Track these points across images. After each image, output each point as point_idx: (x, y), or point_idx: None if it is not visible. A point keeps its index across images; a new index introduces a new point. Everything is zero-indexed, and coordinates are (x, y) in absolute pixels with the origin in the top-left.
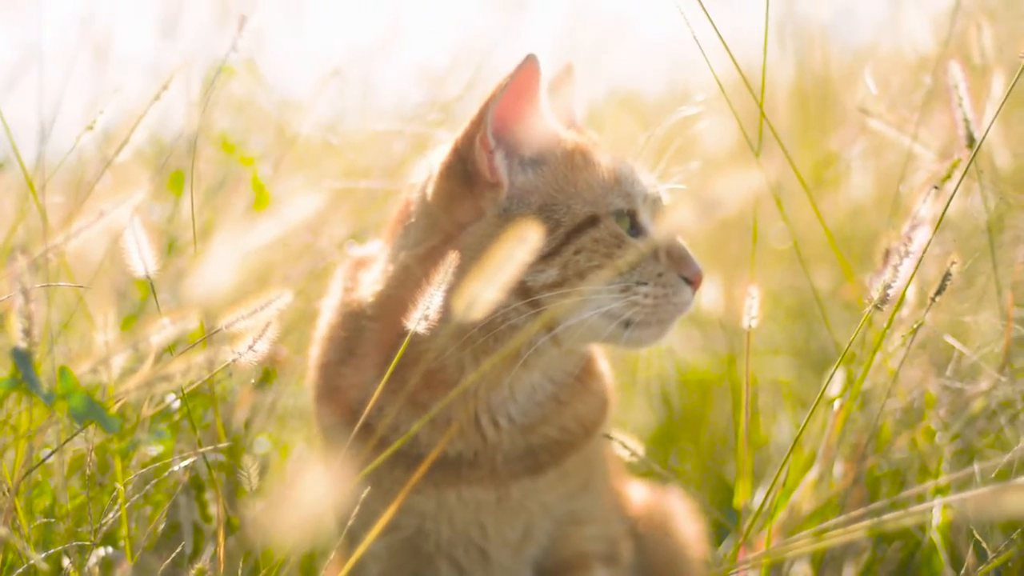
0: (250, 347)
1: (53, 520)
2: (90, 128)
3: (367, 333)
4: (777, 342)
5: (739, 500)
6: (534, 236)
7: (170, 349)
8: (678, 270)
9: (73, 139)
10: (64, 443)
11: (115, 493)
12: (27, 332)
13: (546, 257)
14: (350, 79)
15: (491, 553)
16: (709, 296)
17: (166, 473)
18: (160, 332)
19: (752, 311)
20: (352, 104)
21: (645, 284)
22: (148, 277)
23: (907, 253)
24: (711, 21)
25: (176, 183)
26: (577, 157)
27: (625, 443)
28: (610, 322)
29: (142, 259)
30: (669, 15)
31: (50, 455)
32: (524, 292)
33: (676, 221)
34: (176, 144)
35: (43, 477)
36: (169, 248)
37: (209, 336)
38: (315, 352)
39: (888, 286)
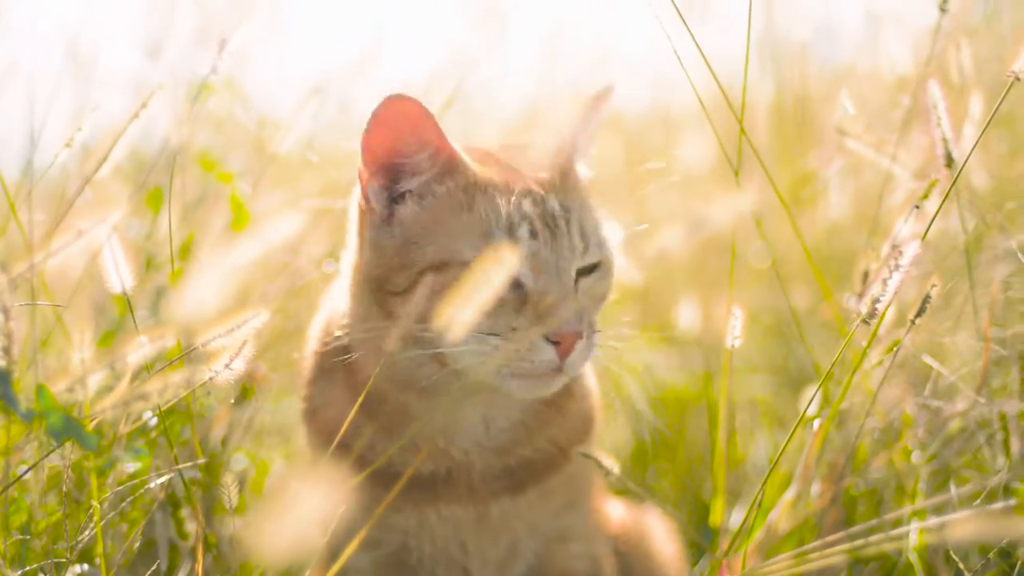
0: (227, 365)
1: (29, 537)
2: (68, 145)
3: (340, 353)
4: (754, 361)
5: (715, 519)
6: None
7: (148, 367)
8: (540, 327)
9: (53, 156)
10: (40, 460)
11: (91, 510)
12: (6, 350)
13: (403, 294)
14: (330, 96)
15: (473, 571)
16: (687, 315)
17: (143, 490)
18: (138, 351)
19: (735, 331)
20: (332, 121)
21: (496, 336)
22: (125, 294)
23: (896, 267)
24: (693, 39)
25: (154, 200)
26: (461, 196)
27: (601, 461)
28: (483, 367)
29: (119, 276)
30: (649, 34)
31: (27, 471)
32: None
33: (662, 242)
34: (155, 161)
35: (19, 494)
36: (147, 265)
37: (187, 354)
38: (305, 368)
39: (877, 300)
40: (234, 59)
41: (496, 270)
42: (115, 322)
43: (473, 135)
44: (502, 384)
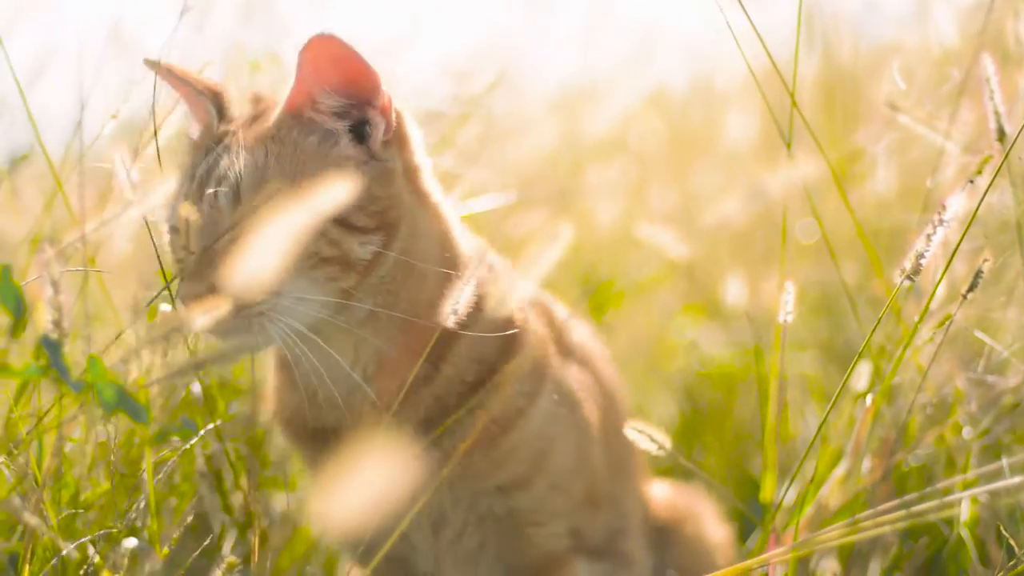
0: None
1: (78, 511)
2: (114, 117)
3: None
4: (801, 336)
5: (766, 494)
6: None
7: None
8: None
9: (96, 129)
10: (85, 433)
11: (139, 483)
12: (57, 323)
13: None
14: None
15: (413, 540)
16: (734, 290)
17: (189, 463)
18: (186, 323)
19: (788, 306)
20: None
21: None
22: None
23: (940, 222)
24: (745, 12)
25: None
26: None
27: (652, 436)
28: None
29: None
30: (691, 9)
31: (64, 442)
32: None
33: (716, 214)
34: None
35: (66, 468)
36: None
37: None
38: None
39: (921, 255)
40: (277, 32)
41: None
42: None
43: (516, 110)
44: None
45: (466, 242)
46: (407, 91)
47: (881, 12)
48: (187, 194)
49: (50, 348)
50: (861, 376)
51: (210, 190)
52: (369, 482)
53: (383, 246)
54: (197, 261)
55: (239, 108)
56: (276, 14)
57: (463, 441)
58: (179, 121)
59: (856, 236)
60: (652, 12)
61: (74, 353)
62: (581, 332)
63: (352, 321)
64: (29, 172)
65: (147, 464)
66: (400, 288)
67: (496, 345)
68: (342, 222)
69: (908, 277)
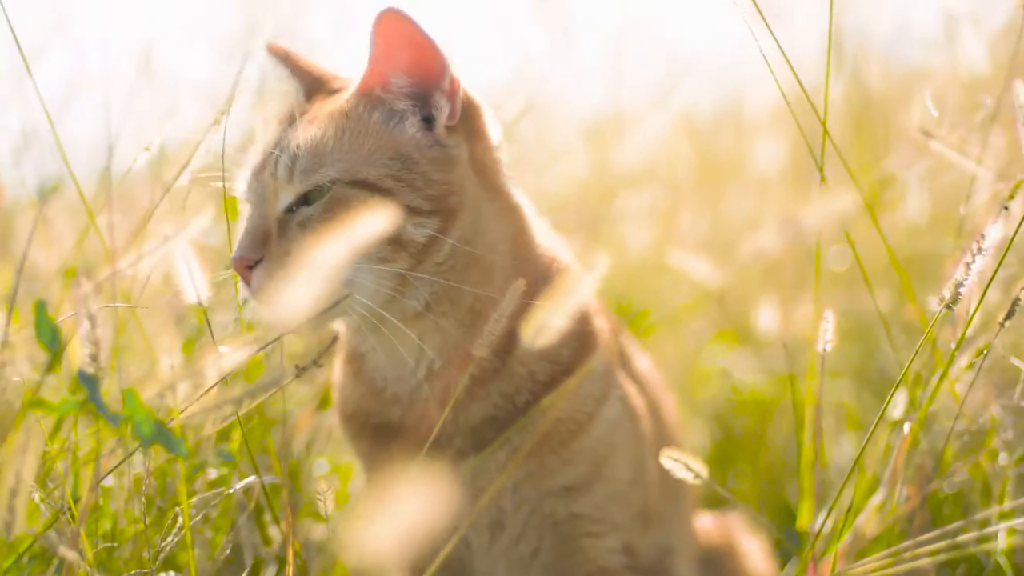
0: (314, 361)
1: (115, 544)
2: (147, 150)
3: None
4: (834, 363)
5: (803, 522)
6: None
7: (239, 374)
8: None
9: (131, 160)
10: (118, 464)
11: (176, 516)
12: (94, 357)
13: None
14: None
15: (472, 544)
16: (766, 317)
17: (228, 491)
18: (224, 358)
19: (827, 335)
20: None
21: None
22: (201, 304)
23: (979, 250)
24: (774, 37)
25: (231, 208)
26: None
27: (689, 464)
28: None
29: (195, 287)
30: (717, 36)
31: (106, 475)
32: None
33: (757, 243)
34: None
35: (103, 500)
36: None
37: (270, 345)
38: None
39: (960, 284)
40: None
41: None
42: (195, 328)
43: (546, 138)
44: None
45: (545, 243)
46: None
47: (909, 37)
48: (257, 168)
49: (87, 382)
50: (897, 404)
51: (283, 175)
52: (431, 486)
53: (439, 231)
54: (250, 230)
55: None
56: (302, 41)
57: (532, 441)
58: (212, 150)
59: (887, 263)
60: (680, 38)
61: (108, 386)
62: (640, 355)
63: (410, 310)
64: (59, 202)
65: (182, 496)
66: (463, 280)
67: (570, 345)
68: (395, 199)
69: (947, 306)
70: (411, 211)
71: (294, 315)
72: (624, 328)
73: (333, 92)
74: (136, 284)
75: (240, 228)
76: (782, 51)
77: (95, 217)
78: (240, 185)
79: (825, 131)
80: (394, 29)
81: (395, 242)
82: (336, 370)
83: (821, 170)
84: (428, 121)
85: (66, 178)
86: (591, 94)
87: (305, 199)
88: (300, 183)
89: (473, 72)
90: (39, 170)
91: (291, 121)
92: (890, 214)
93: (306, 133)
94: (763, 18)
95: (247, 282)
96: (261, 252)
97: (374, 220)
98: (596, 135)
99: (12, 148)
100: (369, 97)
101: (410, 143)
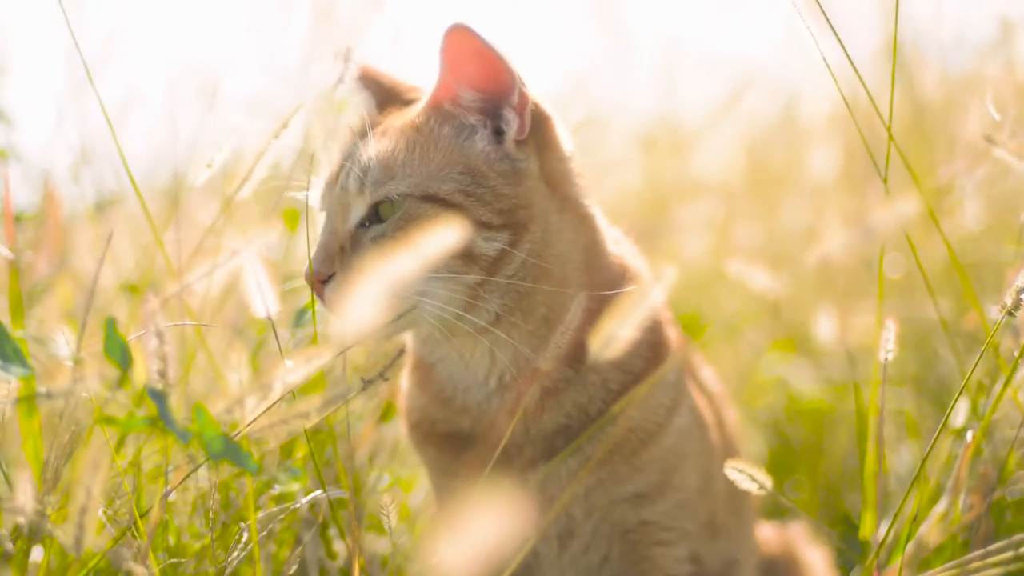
0: (381, 374)
1: (180, 560)
2: (209, 166)
3: None
4: (892, 372)
5: (866, 532)
6: None
7: (306, 388)
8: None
9: (194, 177)
10: (185, 478)
11: (240, 531)
12: (162, 373)
13: None
14: None
15: (540, 554)
16: (824, 326)
17: (293, 505)
18: (291, 372)
19: (888, 344)
20: None
21: None
22: (270, 318)
23: None
24: (842, 45)
25: (291, 219)
26: None
27: (753, 475)
28: None
29: (264, 301)
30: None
31: (172, 490)
32: None
33: (823, 251)
34: (289, 179)
35: (168, 516)
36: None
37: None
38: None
39: (1021, 291)
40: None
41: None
42: (256, 343)
43: (603, 148)
44: None
45: (616, 252)
46: None
47: (962, 42)
48: (330, 179)
49: (156, 398)
50: (959, 412)
51: (353, 188)
52: (502, 496)
53: (510, 244)
54: (324, 244)
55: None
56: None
57: (604, 449)
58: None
59: (944, 271)
60: (736, 47)
61: (174, 401)
62: (705, 370)
63: (481, 321)
64: (116, 216)
65: (250, 511)
66: (534, 291)
67: (642, 355)
68: (465, 214)
69: (1009, 312)
70: (481, 225)
71: (366, 327)
72: (688, 339)
73: (406, 104)
74: (198, 299)
75: (315, 238)
76: (849, 59)
77: (159, 232)
78: (314, 195)
79: (890, 137)
80: (462, 44)
81: (466, 256)
82: (403, 379)
83: (885, 179)
84: (498, 134)
85: (123, 192)
86: (647, 104)
87: (377, 214)
88: (370, 195)
89: (532, 82)
90: (97, 185)
91: (363, 133)
92: (948, 221)
93: (377, 146)
94: (831, 25)
95: (320, 296)
96: (334, 266)
97: (445, 235)
98: (651, 145)
99: (69, 163)
100: (439, 111)
101: (480, 157)
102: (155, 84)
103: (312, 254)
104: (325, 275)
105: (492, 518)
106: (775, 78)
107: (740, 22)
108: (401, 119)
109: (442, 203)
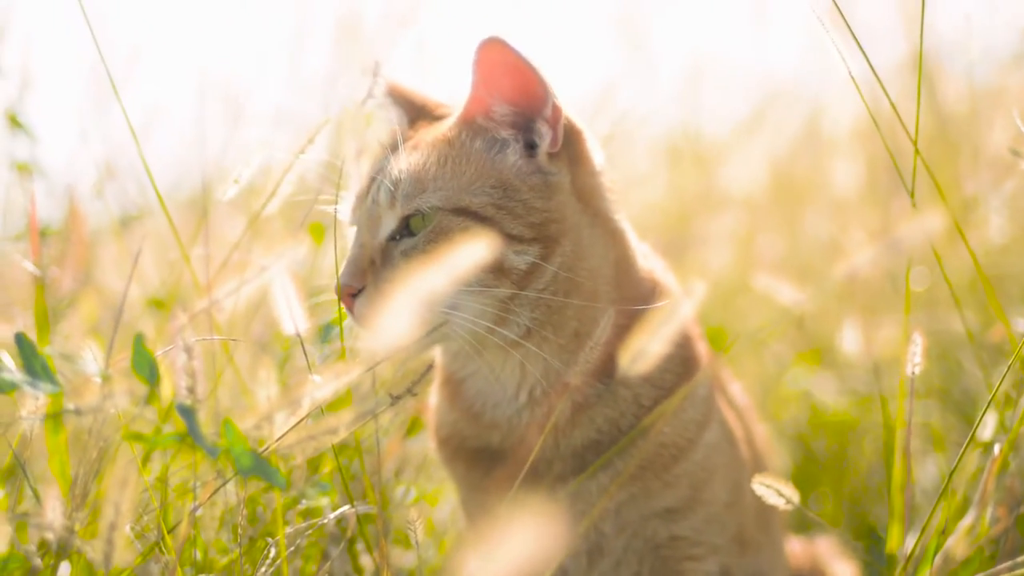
0: (409, 390)
1: (207, 575)
2: (236, 182)
3: None
4: (917, 384)
5: (893, 545)
6: None
7: (333, 404)
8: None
9: (221, 192)
10: (213, 494)
11: (267, 545)
12: (191, 389)
13: None
14: None
15: (569, 571)
16: (849, 339)
17: (321, 521)
18: (319, 388)
19: (916, 358)
20: None
21: None
22: (299, 335)
23: None
24: (867, 60)
25: (316, 232)
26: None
27: (780, 490)
28: None
29: (292, 317)
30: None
31: (200, 506)
32: None
33: (852, 265)
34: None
35: (195, 531)
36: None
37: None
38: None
39: None
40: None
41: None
42: (280, 358)
43: (625, 161)
44: None
45: (646, 266)
46: None
47: (989, 53)
48: (360, 193)
49: (185, 414)
50: (987, 425)
51: (384, 201)
52: (533, 512)
53: (541, 258)
54: (354, 258)
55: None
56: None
57: (635, 464)
58: (298, 181)
59: (968, 284)
60: (759, 60)
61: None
62: (733, 384)
63: (512, 335)
64: (140, 232)
65: (279, 527)
66: (565, 305)
67: (673, 370)
68: (496, 227)
69: None
70: (512, 239)
71: (396, 341)
72: (714, 352)
73: (436, 119)
74: (225, 315)
75: (344, 252)
76: (874, 71)
77: (185, 247)
78: (344, 208)
79: (916, 151)
80: (497, 57)
81: (497, 270)
82: (432, 395)
83: (912, 192)
84: (530, 147)
85: (147, 207)
86: (671, 117)
87: (408, 228)
88: (401, 208)
89: (562, 96)
90: (121, 200)
91: (394, 147)
92: (973, 234)
93: (408, 159)
94: (855, 38)
95: (350, 309)
96: (364, 280)
97: (476, 249)
98: (676, 158)
99: (93, 177)
100: (471, 125)
101: (512, 171)
102: (178, 99)
103: (342, 268)
104: (355, 289)
105: (522, 534)
106: (798, 91)
107: (763, 36)
108: (432, 133)
109: (474, 216)
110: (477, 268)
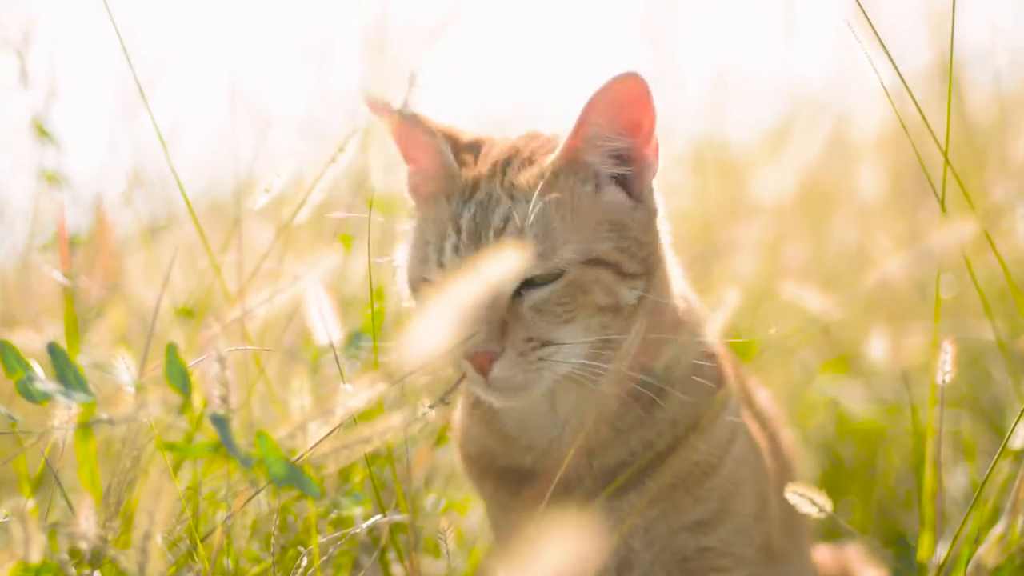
0: (442, 399)
1: None
2: (267, 191)
3: None
4: (946, 392)
5: (924, 554)
6: None
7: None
8: (462, 347)
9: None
10: (247, 502)
11: (299, 554)
12: (224, 399)
13: None
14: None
15: None
16: (877, 347)
17: (354, 530)
18: (352, 397)
19: (946, 366)
20: None
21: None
22: (332, 345)
23: None
24: (896, 69)
25: (346, 241)
26: (432, 196)
27: (813, 498)
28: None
29: (326, 327)
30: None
31: (231, 515)
32: None
33: (882, 273)
34: (351, 203)
35: (227, 540)
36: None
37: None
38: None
39: None
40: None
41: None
42: (312, 368)
43: None
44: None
45: (681, 285)
46: None
47: (1017, 61)
48: (457, 246)
49: (218, 424)
50: (1019, 434)
51: (490, 239)
52: (564, 528)
53: (644, 290)
54: (487, 319)
55: (474, 153)
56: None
57: (666, 482)
58: (327, 190)
59: (996, 292)
60: (784, 69)
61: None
62: (759, 389)
63: (601, 368)
64: (167, 240)
65: (313, 537)
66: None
67: (705, 388)
68: (617, 269)
69: None
70: (628, 276)
71: (528, 397)
72: (740, 362)
73: (470, 149)
74: (256, 324)
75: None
76: (902, 79)
77: (215, 257)
78: (431, 257)
79: (946, 160)
80: (628, 92)
81: (615, 310)
82: (459, 411)
83: (942, 199)
84: (628, 180)
85: (174, 216)
86: (696, 126)
87: (531, 281)
88: (538, 267)
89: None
90: (148, 209)
91: (468, 193)
92: (1001, 241)
93: (523, 208)
94: (883, 46)
95: (483, 374)
96: (503, 343)
97: (604, 295)
98: (701, 167)
99: (120, 186)
100: (578, 164)
101: (623, 209)
102: (202, 108)
103: (448, 326)
104: (497, 354)
105: (553, 551)
106: (823, 99)
107: (789, 44)
108: (526, 175)
109: (603, 264)
110: (599, 311)
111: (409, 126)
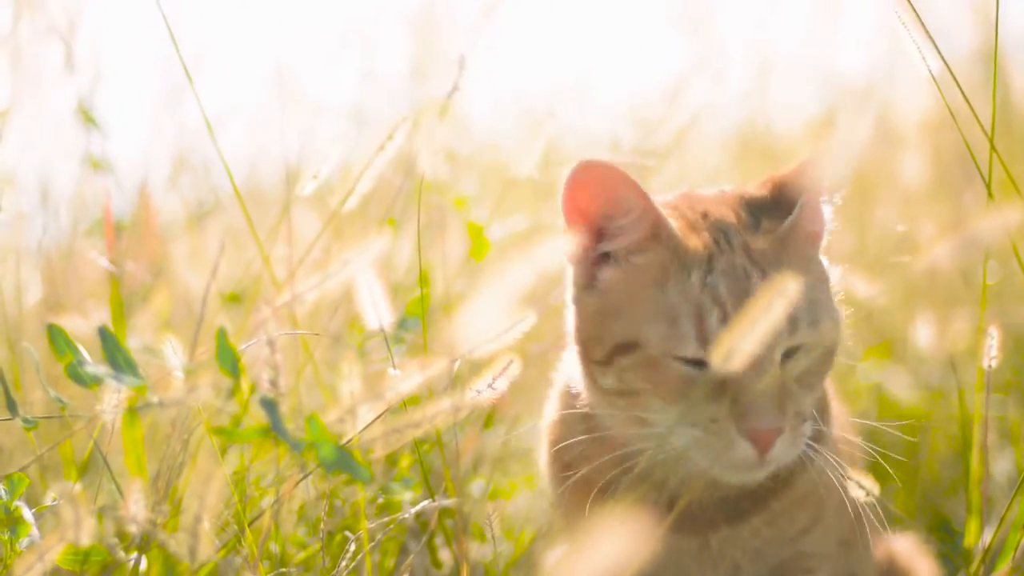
0: (490, 384)
1: (285, 570)
2: (315, 178)
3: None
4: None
5: (971, 540)
6: None
7: (414, 400)
8: (736, 422)
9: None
10: (296, 483)
11: (346, 539)
12: (274, 382)
13: (602, 364)
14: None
15: None
16: (923, 333)
17: (402, 515)
18: (403, 381)
19: (992, 351)
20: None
21: (693, 427)
22: (383, 330)
23: None
24: (938, 50)
25: (392, 224)
26: (656, 270)
27: (860, 483)
28: (689, 455)
29: (377, 312)
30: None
31: (278, 499)
32: (602, 393)
33: (933, 257)
34: (400, 189)
35: (274, 525)
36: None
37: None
38: (549, 409)
39: None
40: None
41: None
42: (359, 352)
43: (694, 156)
44: (709, 470)
45: None
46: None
47: None
48: (723, 319)
49: (268, 407)
50: None
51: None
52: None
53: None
54: (774, 395)
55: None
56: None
57: (789, 501)
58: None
59: None
60: (827, 55)
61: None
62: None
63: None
64: (212, 226)
65: (361, 521)
66: None
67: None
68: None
69: None
70: None
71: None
72: None
73: (747, 221)
74: (304, 309)
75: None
76: (948, 66)
77: (263, 243)
78: (688, 332)
79: (992, 147)
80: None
81: (828, 373)
82: (551, 407)
83: (989, 185)
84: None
85: (219, 202)
86: (740, 113)
87: (795, 349)
88: (799, 338)
89: (621, 90)
90: (192, 194)
91: (705, 264)
92: None
93: (771, 277)
94: (928, 33)
95: (764, 450)
96: (785, 419)
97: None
98: (744, 153)
99: (165, 172)
100: (799, 229)
101: (823, 265)
102: (248, 95)
103: (761, 404)
104: (783, 431)
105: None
106: (867, 87)
107: (831, 31)
108: (759, 242)
109: (839, 324)
110: (823, 377)
111: (622, 191)
